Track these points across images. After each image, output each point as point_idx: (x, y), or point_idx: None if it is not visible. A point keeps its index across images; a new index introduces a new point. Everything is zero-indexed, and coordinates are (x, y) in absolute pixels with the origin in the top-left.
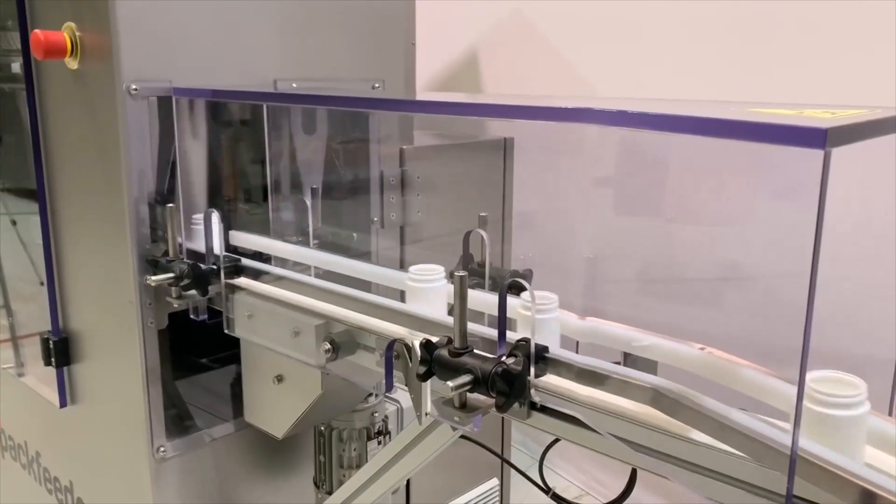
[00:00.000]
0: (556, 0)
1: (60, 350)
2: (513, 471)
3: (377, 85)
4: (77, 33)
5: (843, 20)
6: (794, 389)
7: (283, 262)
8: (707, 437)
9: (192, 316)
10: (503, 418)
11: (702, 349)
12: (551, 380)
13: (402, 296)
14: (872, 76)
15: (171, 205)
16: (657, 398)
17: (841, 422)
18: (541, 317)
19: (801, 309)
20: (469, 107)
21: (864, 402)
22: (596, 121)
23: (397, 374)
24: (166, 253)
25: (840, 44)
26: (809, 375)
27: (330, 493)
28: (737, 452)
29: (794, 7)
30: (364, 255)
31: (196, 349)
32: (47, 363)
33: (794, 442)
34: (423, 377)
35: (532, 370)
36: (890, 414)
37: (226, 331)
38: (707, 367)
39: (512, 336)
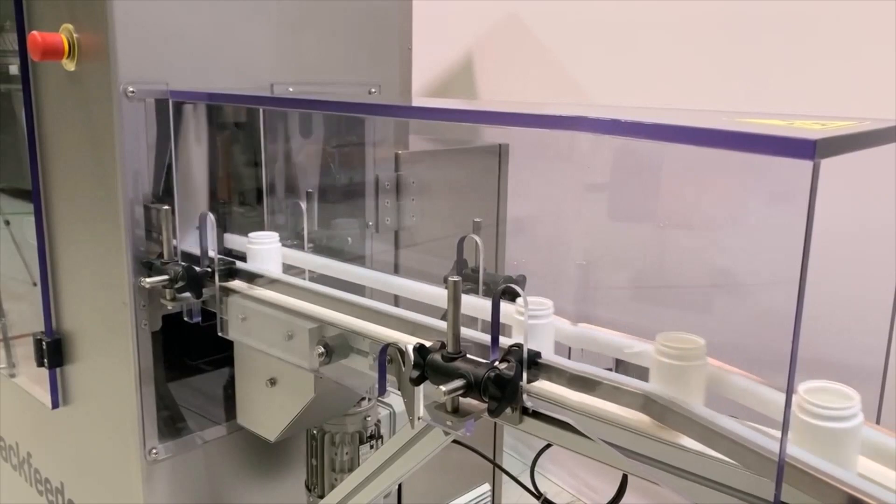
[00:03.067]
0: (553, 6)
1: (53, 351)
2: (504, 476)
3: (373, 90)
4: (74, 35)
5: (841, 26)
6: (783, 397)
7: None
8: (697, 444)
9: (185, 318)
10: (495, 423)
11: None
12: (543, 385)
13: (395, 300)
14: (871, 82)
15: (166, 207)
16: (648, 404)
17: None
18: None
19: (791, 317)
20: (465, 113)
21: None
22: (589, 129)
23: (390, 378)
24: (161, 255)
25: (838, 51)
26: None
27: (322, 496)
28: (726, 458)
29: (791, 12)
30: (358, 259)
31: (189, 351)
32: (40, 364)
33: (782, 448)
34: (416, 381)
35: (524, 375)
36: (877, 422)
37: (219, 333)
38: None
39: (505, 341)
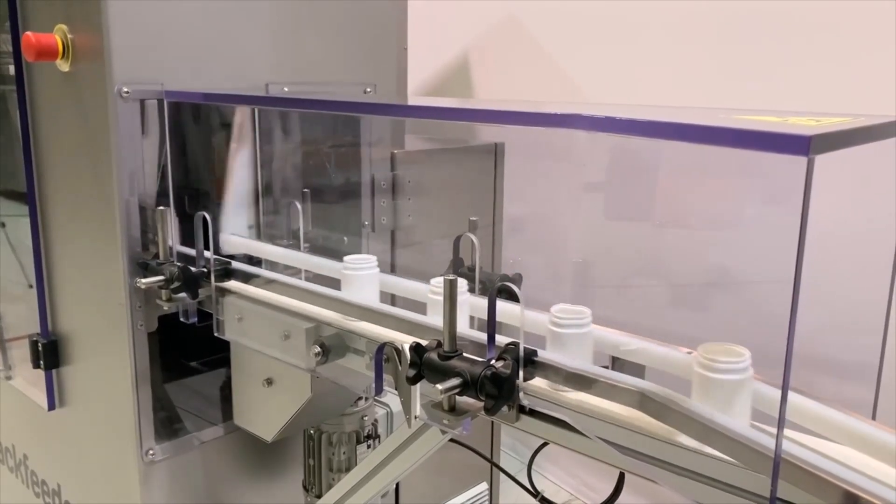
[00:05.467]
0: (549, 5)
1: (49, 352)
2: (502, 475)
3: (369, 89)
4: (68, 35)
5: (840, 24)
6: (778, 393)
7: (273, 266)
8: (693, 441)
9: (181, 319)
10: (492, 422)
11: (689, 353)
12: (540, 383)
13: (392, 299)
14: (870, 81)
15: (161, 207)
16: (644, 402)
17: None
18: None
19: (787, 313)
20: (460, 112)
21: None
22: (584, 127)
23: (387, 378)
24: (157, 255)
25: (836, 48)
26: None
27: (319, 496)
28: (722, 455)
29: (790, 11)
30: None
31: (186, 352)
32: (36, 366)
33: (778, 445)
34: (413, 380)
35: (521, 374)
36: (873, 417)
37: (216, 334)
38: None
39: (502, 340)
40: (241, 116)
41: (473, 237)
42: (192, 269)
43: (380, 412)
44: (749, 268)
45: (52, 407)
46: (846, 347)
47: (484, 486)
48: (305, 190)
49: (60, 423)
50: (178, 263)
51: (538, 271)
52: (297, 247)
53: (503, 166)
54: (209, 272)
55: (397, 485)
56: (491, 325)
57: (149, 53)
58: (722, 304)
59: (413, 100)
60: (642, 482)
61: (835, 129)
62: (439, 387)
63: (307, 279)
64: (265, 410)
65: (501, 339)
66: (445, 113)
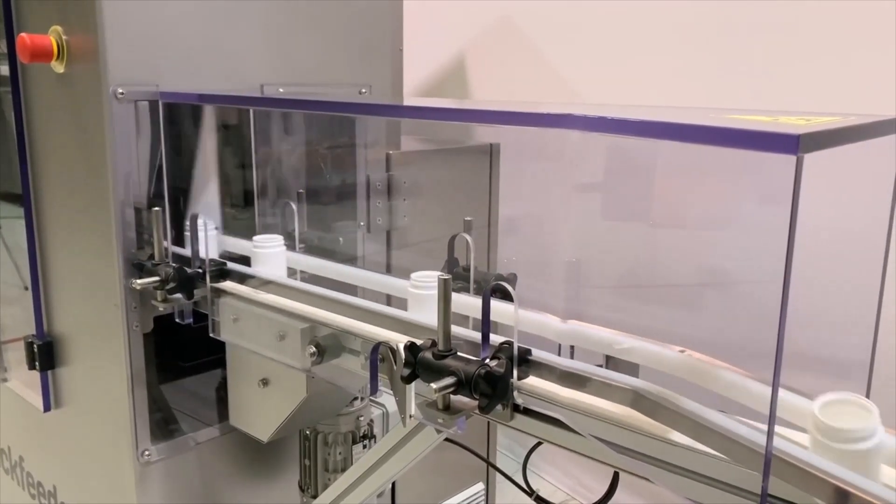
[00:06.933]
0: (544, 6)
1: (45, 354)
2: (498, 475)
3: (364, 90)
4: (63, 37)
5: (839, 24)
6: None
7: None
8: (686, 439)
9: (177, 319)
10: (488, 423)
11: (682, 352)
12: (534, 382)
13: (387, 299)
14: (870, 80)
15: (157, 208)
16: (638, 400)
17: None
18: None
19: (778, 311)
20: (456, 112)
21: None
22: (577, 126)
23: (382, 378)
24: (152, 256)
25: (835, 48)
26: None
27: (315, 496)
28: (715, 453)
29: (787, 11)
30: (350, 260)
31: (181, 353)
32: (31, 367)
33: (769, 442)
34: (408, 380)
35: (515, 372)
36: None
37: (211, 334)
38: (687, 369)
39: (496, 339)
40: (237, 118)
41: (468, 237)
42: (188, 269)
43: (375, 412)
44: (743, 266)
45: (47, 408)
46: (837, 345)
47: (480, 486)
48: (301, 191)
49: (56, 425)
50: (174, 264)
51: (533, 271)
52: (292, 247)
53: (498, 167)
54: (204, 273)
55: (393, 485)
56: (485, 325)
57: (144, 55)
58: (716, 303)
59: (408, 100)
60: (640, 482)
61: (823, 128)
62: (434, 386)
63: (302, 280)
64: (261, 411)
65: (496, 339)
66: (441, 114)
